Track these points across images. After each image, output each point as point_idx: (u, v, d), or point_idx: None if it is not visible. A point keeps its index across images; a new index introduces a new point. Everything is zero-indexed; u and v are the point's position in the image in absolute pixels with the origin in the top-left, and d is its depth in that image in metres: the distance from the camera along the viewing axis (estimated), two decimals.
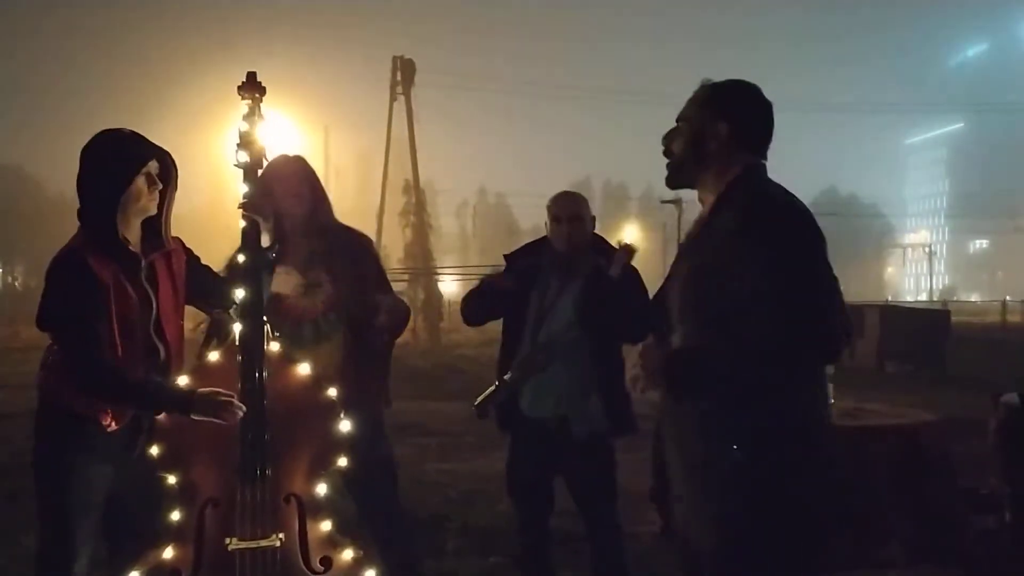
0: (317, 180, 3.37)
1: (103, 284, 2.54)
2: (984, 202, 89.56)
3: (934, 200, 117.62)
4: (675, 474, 2.33)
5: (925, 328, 13.78)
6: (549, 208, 3.44)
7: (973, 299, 64.65)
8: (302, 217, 3.27)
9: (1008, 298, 38.51)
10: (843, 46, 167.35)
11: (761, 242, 2.07)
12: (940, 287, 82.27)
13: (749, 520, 2.10)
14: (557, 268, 3.40)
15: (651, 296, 2.93)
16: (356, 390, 3.15)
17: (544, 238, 3.52)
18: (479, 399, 3.35)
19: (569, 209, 3.40)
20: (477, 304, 3.52)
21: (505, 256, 3.63)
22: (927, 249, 78.39)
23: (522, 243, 3.77)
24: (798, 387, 2.12)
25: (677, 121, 2.32)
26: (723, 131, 2.22)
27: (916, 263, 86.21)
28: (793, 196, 2.23)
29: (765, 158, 2.31)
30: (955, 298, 62.32)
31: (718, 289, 2.12)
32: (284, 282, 3.13)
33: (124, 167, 2.61)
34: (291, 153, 3.38)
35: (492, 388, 3.34)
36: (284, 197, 3.22)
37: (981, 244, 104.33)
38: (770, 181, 2.26)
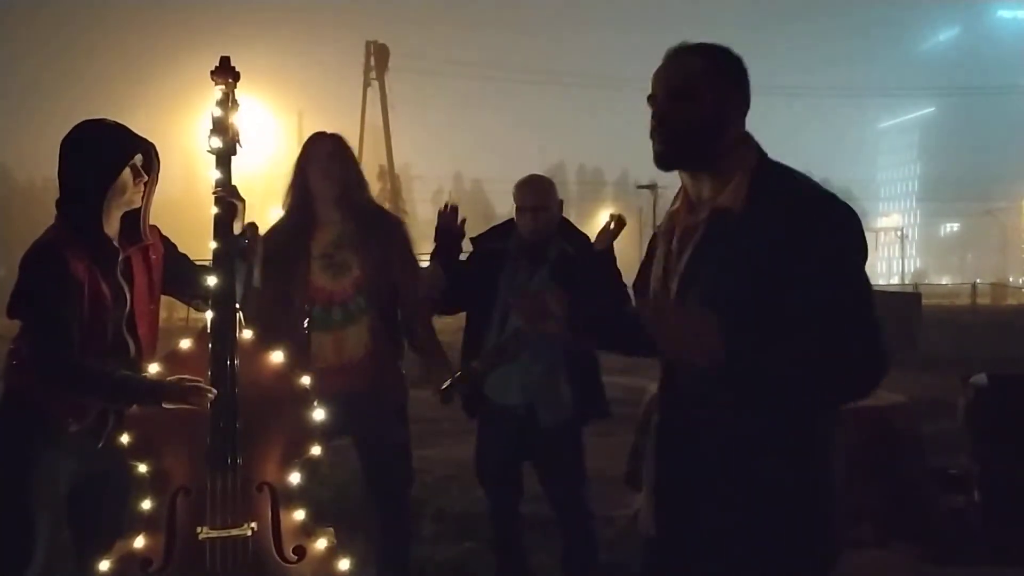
0: (352, 159, 3.35)
1: (77, 282, 2.48)
2: (955, 186, 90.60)
3: (906, 184, 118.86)
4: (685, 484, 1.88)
5: (897, 311, 13.87)
6: (514, 196, 3.40)
7: (944, 282, 65.51)
8: (333, 197, 3.26)
9: (978, 280, 39.07)
10: (814, 29, 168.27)
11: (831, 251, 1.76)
12: (912, 270, 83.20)
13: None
14: (524, 255, 3.36)
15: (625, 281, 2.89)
16: (381, 374, 3.25)
17: (511, 220, 3.47)
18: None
19: (533, 199, 3.36)
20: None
21: (472, 239, 3.56)
22: (899, 232, 79.31)
23: None
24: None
25: (681, 90, 1.83)
26: (745, 105, 1.86)
27: (888, 246, 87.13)
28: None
29: None
30: (926, 281, 63.14)
31: (775, 297, 1.72)
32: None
33: (111, 159, 2.54)
34: (328, 132, 3.38)
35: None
36: (316, 176, 3.24)
37: (952, 227, 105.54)
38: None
